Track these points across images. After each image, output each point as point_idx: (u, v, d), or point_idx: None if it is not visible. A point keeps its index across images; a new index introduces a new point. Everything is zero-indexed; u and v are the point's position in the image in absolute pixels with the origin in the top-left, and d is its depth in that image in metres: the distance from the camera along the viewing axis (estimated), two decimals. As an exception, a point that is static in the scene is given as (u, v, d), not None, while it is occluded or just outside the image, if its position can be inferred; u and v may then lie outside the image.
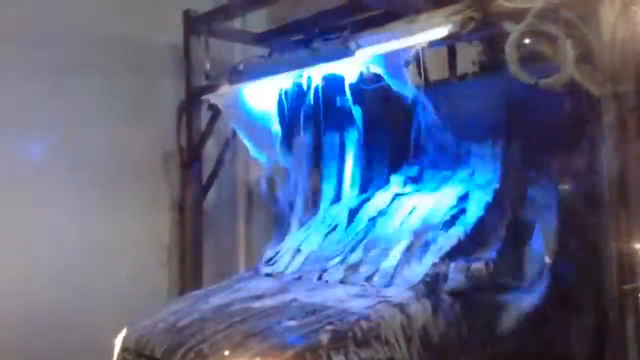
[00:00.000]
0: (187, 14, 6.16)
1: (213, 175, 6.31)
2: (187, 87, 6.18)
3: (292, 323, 3.38)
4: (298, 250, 4.58)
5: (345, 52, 4.24)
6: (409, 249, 4.02)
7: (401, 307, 3.52)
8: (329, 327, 3.26)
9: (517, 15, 3.64)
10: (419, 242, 4.04)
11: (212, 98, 5.59)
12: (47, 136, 5.70)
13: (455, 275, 3.70)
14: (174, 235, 6.35)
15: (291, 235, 4.95)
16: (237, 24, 6.55)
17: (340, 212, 4.82)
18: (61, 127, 5.75)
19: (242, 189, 6.86)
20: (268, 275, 4.48)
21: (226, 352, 3.23)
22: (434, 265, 3.78)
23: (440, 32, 3.83)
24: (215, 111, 5.94)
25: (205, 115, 6.15)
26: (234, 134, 5.92)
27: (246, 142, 5.48)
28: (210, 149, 6.44)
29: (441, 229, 4.08)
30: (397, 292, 3.68)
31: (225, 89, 5.40)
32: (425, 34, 3.93)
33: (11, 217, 5.38)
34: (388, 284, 3.84)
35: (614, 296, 3.38)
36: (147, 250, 6.13)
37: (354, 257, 4.18)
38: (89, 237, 5.74)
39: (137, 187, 6.23)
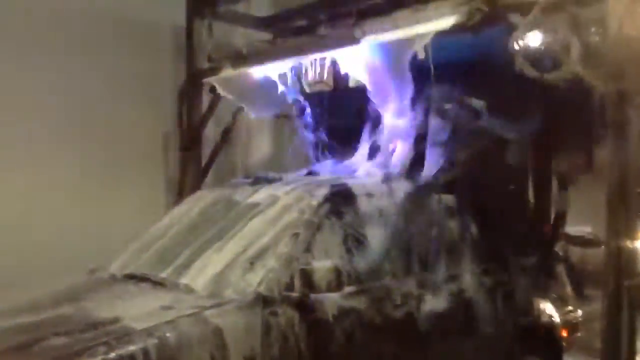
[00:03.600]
0: (190, -5, 6.10)
1: (212, 159, 6.29)
2: (188, 70, 6.14)
3: (59, 340, 2.70)
4: (148, 245, 3.89)
5: (351, 40, 4.21)
6: (246, 249, 3.38)
7: (216, 326, 2.85)
8: (101, 349, 2.58)
9: (523, 9, 3.63)
10: (260, 242, 3.40)
11: (214, 81, 5.55)
12: (48, 116, 5.69)
13: (299, 281, 3.17)
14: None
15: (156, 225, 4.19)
16: (241, 7, 6.50)
17: (219, 201, 4.09)
18: (62, 106, 5.74)
19: (241, 173, 6.85)
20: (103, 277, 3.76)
21: None
22: (271, 271, 3.18)
23: (447, 22, 3.81)
24: (215, 95, 5.91)
25: (206, 99, 6.14)
26: (234, 118, 5.90)
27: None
28: (210, 133, 6.44)
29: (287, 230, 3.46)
30: (219, 304, 3.00)
31: (227, 73, 5.37)
32: (432, 23, 3.91)
33: (10, 197, 5.38)
34: (214, 293, 3.13)
35: (611, 292, 3.39)
36: (144, 231, 6.13)
37: (188, 256, 3.52)
38: (87, 218, 5.74)
39: (137, 168, 6.23)
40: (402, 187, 4.02)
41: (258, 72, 5.20)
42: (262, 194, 3.87)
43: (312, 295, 3.18)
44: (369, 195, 3.80)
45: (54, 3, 5.62)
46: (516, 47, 3.57)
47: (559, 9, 3.58)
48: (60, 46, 5.69)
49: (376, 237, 3.67)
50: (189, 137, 6.14)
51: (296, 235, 3.36)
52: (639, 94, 3.52)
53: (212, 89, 5.87)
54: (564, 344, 4.56)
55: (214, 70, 5.71)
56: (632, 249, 3.44)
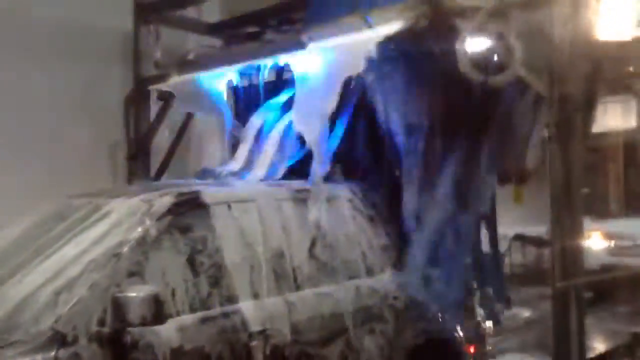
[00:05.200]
0: (137, 1, 5.98)
1: (163, 167, 6.15)
2: (135, 76, 6.01)
3: None
4: None
5: (298, 45, 4.18)
6: (56, 276, 2.78)
7: None
8: None
9: (468, 14, 3.65)
10: (76, 266, 2.82)
11: (163, 87, 5.44)
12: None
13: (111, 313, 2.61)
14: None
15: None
16: (193, 13, 6.40)
17: (55, 214, 3.49)
18: (4, 113, 5.52)
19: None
20: None
21: None
22: (78, 302, 2.63)
23: (393, 27, 3.81)
24: (165, 101, 5.79)
25: (155, 106, 6.01)
26: (186, 124, 5.79)
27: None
28: (163, 141, 6.30)
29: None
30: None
31: (174, 79, 5.26)
32: (378, 28, 3.91)
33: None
34: (5, 329, 2.60)
35: (557, 292, 3.43)
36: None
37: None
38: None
39: (83, 178, 6.01)
40: (284, 194, 3.60)
41: (206, 82, 5.11)
42: (92, 205, 3.28)
43: (138, 330, 2.63)
44: (231, 204, 3.29)
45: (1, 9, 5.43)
46: (461, 51, 3.59)
47: (503, 13, 3.62)
48: (4, 51, 5.49)
49: (235, 253, 3.19)
50: (136, 146, 5.99)
51: (117, 256, 2.81)
52: (581, 96, 3.61)
53: (161, 96, 5.75)
54: None
55: (161, 77, 5.58)
56: (576, 247, 3.50)
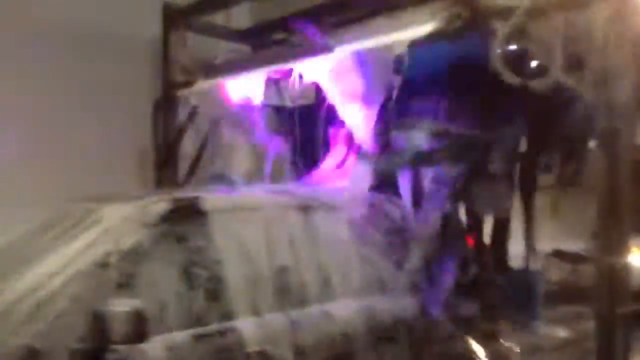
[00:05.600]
0: (166, 6, 5.94)
1: (189, 175, 6.06)
2: (164, 82, 5.96)
3: None
4: None
5: (325, 49, 4.03)
6: (38, 288, 2.61)
7: None
8: None
9: (505, 14, 3.45)
10: (60, 277, 2.66)
11: (188, 93, 5.36)
12: (19, 131, 5.46)
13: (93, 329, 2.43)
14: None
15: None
16: (221, 19, 6.33)
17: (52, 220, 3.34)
18: (34, 120, 5.52)
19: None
20: None
21: None
22: (58, 316, 2.48)
23: (425, 28, 3.63)
24: (193, 107, 5.71)
25: (183, 112, 5.94)
26: (212, 130, 5.70)
27: None
28: (189, 147, 6.22)
29: None
30: None
31: (201, 84, 5.19)
32: (409, 30, 3.73)
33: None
34: None
35: (606, 320, 3.15)
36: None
37: None
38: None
39: (112, 186, 5.98)
40: (292, 202, 3.31)
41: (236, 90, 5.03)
42: (84, 210, 3.10)
43: (123, 348, 2.43)
44: (233, 212, 3.08)
45: (33, 14, 5.43)
46: (497, 53, 3.38)
47: (542, 14, 3.40)
48: (35, 57, 5.49)
49: (236, 265, 2.96)
50: (165, 153, 5.92)
51: (104, 266, 2.62)
52: (629, 102, 3.35)
53: (188, 102, 5.68)
54: None
55: (188, 83, 5.51)
56: (623, 265, 3.23)
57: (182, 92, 5.51)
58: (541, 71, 3.39)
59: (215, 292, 2.86)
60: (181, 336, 2.68)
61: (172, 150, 5.92)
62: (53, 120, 5.64)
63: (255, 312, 2.92)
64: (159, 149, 5.97)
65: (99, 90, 5.87)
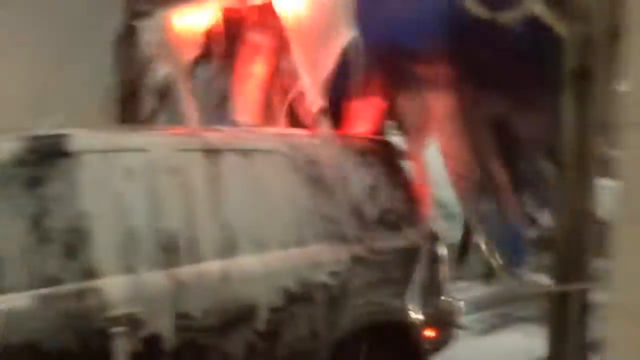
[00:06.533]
0: None
1: (157, 109, 5.76)
2: (125, 13, 5.55)
3: None
4: None
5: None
6: None
7: None
8: None
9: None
10: None
11: (147, 24, 4.99)
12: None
13: None
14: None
15: None
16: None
17: None
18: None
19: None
20: None
21: None
22: None
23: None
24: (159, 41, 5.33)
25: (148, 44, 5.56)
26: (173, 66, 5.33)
27: None
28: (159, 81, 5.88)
29: None
30: None
31: (160, 14, 4.81)
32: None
33: None
34: None
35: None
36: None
37: None
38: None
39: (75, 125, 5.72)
40: (193, 144, 2.87)
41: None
42: None
43: None
44: (109, 154, 2.62)
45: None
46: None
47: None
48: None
49: (107, 215, 2.56)
50: (127, 89, 5.59)
51: None
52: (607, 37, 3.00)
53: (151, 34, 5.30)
54: (427, 346, 3.42)
55: (148, 13, 5.11)
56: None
57: (140, 23, 5.11)
58: (513, 2, 3.03)
59: (74, 247, 2.46)
60: (21, 298, 2.29)
61: (134, 85, 5.58)
62: (9, 57, 5.31)
63: (129, 269, 2.54)
64: (120, 86, 5.64)
65: (61, 24, 5.53)
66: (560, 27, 2.95)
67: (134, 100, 5.65)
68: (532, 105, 3.27)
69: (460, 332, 3.84)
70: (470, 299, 6.14)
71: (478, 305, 5.91)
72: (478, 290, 6.53)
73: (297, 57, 3.58)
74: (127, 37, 5.57)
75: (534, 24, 3.01)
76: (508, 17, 2.99)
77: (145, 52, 5.55)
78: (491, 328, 5.18)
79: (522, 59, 3.23)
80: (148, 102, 5.72)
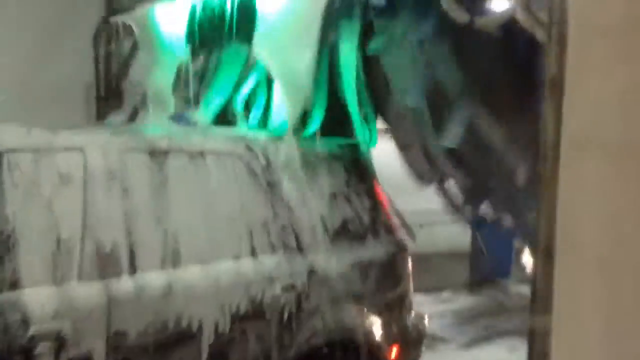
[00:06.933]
0: None
1: (138, 106, 5.63)
2: (106, 8, 5.44)
3: None
4: None
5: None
6: None
7: None
8: None
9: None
10: None
11: (126, 19, 4.86)
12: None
13: None
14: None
15: None
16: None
17: None
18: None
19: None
20: None
21: None
22: None
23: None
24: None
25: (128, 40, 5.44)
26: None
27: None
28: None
29: None
30: None
31: (140, 8, 4.69)
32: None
33: None
34: None
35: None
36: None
37: None
38: None
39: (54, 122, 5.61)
40: (136, 143, 2.67)
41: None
42: None
43: None
44: (39, 153, 2.37)
45: None
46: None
47: None
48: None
49: (34, 220, 2.31)
50: (106, 86, 5.47)
51: None
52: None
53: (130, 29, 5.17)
54: None
55: (128, 9, 4.99)
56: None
57: (117, 19, 4.99)
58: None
59: None
60: None
61: (114, 83, 5.46)
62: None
63: (56, 280, 2.27)
64: (100, 83, 5.52)
65: (36, 18, 5.40)
66: (541, 33, 2.84)
67: (114, 97, 5.53)
68: (510, 113, 3.15)
69: (442, 345, 3.71)
70: (453, 310, 6.06)
71: (461, 317, 5.86)
72: (462, 301, 6.47)
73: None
74: (107, 33, 5.45)
75: (514, 29, 2.89)
76: (487, 21, 2.89)
77: (124, 48, 5.46)
78: (473, 342, 5.08)
79: (501, 65, 3.11)
80: (128, 99, 5.62)
